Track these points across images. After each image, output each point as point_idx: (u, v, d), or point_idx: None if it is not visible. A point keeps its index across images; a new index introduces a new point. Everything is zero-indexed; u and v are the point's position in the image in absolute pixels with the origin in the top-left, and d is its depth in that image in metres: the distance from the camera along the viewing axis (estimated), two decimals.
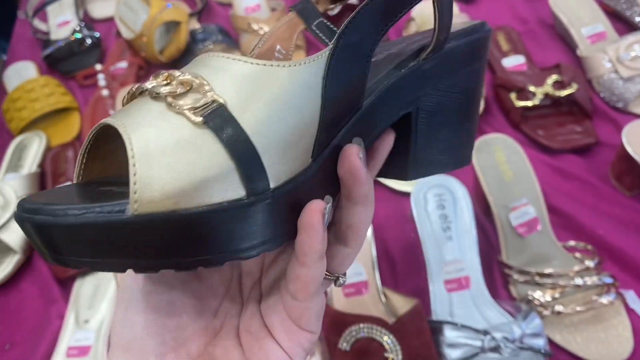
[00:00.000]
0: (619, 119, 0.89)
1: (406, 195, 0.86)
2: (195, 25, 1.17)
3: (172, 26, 1.11)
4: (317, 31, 0.40)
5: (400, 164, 0.40)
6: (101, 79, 1.08)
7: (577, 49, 0.98)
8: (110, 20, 1.27)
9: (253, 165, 0.26)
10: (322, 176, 0.30)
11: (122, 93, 0.99)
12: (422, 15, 1.05)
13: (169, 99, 0.27)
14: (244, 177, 0.26)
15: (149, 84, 0.28)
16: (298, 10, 0.40)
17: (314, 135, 0.29)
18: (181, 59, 1.11)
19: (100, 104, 1.07)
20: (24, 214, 0.24)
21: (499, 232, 0.75)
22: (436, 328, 0.66)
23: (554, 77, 0.89)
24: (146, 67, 1.14)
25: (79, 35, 1.17)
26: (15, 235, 0.84)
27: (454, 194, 0.74)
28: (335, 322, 0.67)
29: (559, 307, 0.66)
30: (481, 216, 0.80)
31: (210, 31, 1.11)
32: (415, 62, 0.36)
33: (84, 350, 0.73)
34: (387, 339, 0.64)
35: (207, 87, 0.27)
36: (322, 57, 0.30)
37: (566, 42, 1.05)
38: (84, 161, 0.30)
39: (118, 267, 0.25)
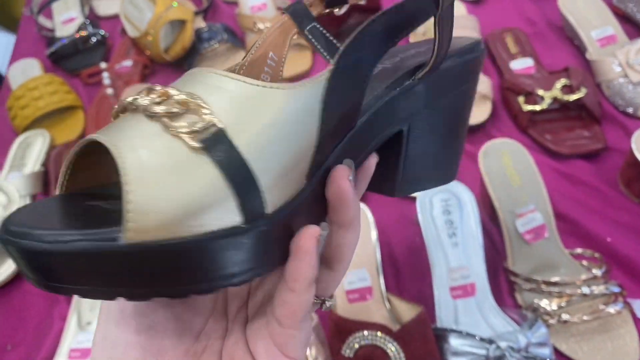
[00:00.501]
0: (629, 124, 0.88)
1: (411, 199, 0.85)
2: (200, 24, 1.16)
3: (177, 25, 1.10)
4: (310, 37, 0.38)
5: (389, 181, 0.39)
6: (106, 78, 1.07)
7: (587, 52, 0.97)
8: (115, 17, 1.27)
9: (250, 191, 0.25)
10: (312, 199, 0.29)
11: (127, 92, 0.99)
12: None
13: (165, 120, 0.25)
14: (241, 204, 0.25)
15: (143, 100, 0.26)
16: (291, 12, 0.38)
17: (310, 157, 0.28)
18: (186, 58, 1.10)
19: (104, 103, 1.06)
20: (10, 237, 0.23)
21: (505, 238, 0.74)
22: (441, 335, 0.65)
23: (562, 81, 0.88)
24: (151, 65, 1.13)
25: (85, 32, 1.16)
26: None
27: (460, 199, 0.73)
28: (339, 328, 0.66)
29: (565, 316, 0.65)
30: (487, 222, 0.79)
31: (216, 30, 1.10)
32: (410, 81, 0.35)
33: (86, 353, 0.73)
34: (391, 347, 0.63)
35: (205, 109, 0.26)
36: (321, 78, 0.29)
37: (575, 44, 1.04)
38: (68, 172, 0.29)
39: (108, 295, 0.24)
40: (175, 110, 0.26)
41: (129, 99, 0.27)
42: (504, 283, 0.74)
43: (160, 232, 0.23)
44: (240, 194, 0.25)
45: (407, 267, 0.78)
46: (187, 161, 0.25)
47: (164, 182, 0.24)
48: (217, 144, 0.25)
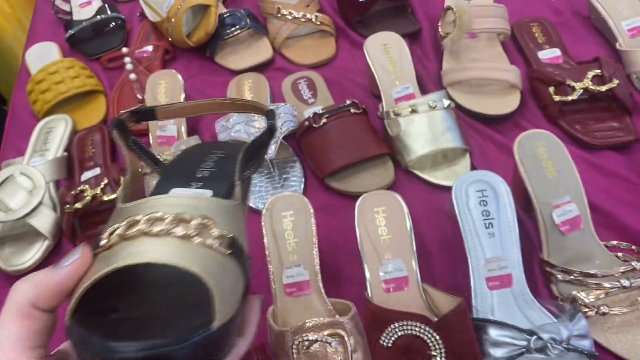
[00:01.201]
0: None
1: (442, 188, 0.85)
2: (221, 9, 1.14)
3: (197, 9, 1.09)
4: (135, 147, 0.45)
5: None
6: (128, 63, 1.06)
7: (617, 43, 0.96)
8: (132, 1, 1.25)
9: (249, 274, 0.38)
10: None
11: (153, 79, 0.97)
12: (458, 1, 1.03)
13: (197, 239, 0.34)
14: (245, 284, 0.37)
15: (160, 227, 0.34)
16: (117, 129, 0.44)
17: None
18: (208, 44, 1.09)
19: (126, 88, 1.05)
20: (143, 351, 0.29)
21: (541, 229, 0.73)
22: (479, 326, 0.65)
23: (594, 72, 0.87)
24: (172, 51, 1.12)
25: (104, 16, 1.15)
26: (44, 221, 0.83)
27: (496, 190, 0.73)
28: (377, 318, 0.66)
29: (604, 308, 0.65)
30: (520, 212, 0.78)
31: (240, 16, 1.09)
32: (239, 181, 0.46)
33: None
34: (431, 337, 0.63)
35: (215, 226, 0.35)
36: (238, 188, 0.42)
37: (602, 35, 1.03)
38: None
39: None
40: (194, 231, 0.34)
41: (143, 228, 0.34)
42: (538, 274, 0.74)
43: (228, 314, 0.33)
44: (246, 277, 0.37)
45: (439, 258, 0.78)
46: (227, 264, 0.35)
47: (224, 283, 0.33)
48: (235, 248, 0.36)
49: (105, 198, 0.81)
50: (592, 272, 0.68)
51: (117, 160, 0.96)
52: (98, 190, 0.81)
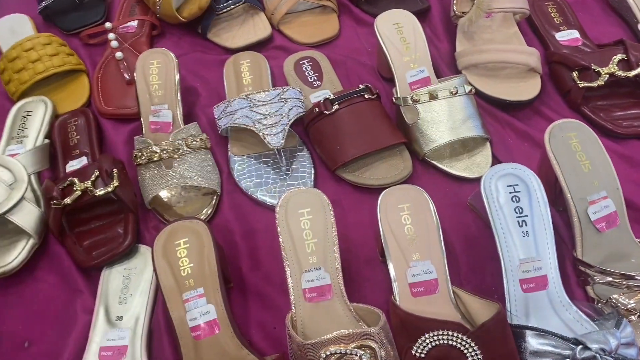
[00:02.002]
0: None
1: (462, 180, 0.80)
2: None
3: None
4: None
5: None
6: (113, 40, 0.97)
7: (639, 24, 0.92)
8: None
9: None
10: None
11: (145, 59, 0.88)
12: None
13: None
14: None
15: None
16: None
17: None
18: (200, 19, 1.00)
19: (110, 67, 0.96)
20: None
21: (575, 226, 0.69)
22: (517, 333, 0.61)
23: (620, 56, 0.82)
24: (160, 26, 1.03)
25: None
26: (28, 217, 0.75)
27: (528, 185, 0.68)
28: (407, 326, 0.61)
29: None
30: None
31: None
32: None
33: (118, 351, 0.65)
34: (468, 347, 0.58)
35: None
36: None
37: (619, 15, 0.98)
38: None
39: None
40: None
41: None
42: (571, 273, 0.70)
43: None
44: None
45: (464, 256, 0.73)
46: None
47: None
48: None
49: (98, 193, 0.73)
50: (633, 273, 0.64)
51: (106, 148, 0.87)
52: (89, 184, 0.73)
